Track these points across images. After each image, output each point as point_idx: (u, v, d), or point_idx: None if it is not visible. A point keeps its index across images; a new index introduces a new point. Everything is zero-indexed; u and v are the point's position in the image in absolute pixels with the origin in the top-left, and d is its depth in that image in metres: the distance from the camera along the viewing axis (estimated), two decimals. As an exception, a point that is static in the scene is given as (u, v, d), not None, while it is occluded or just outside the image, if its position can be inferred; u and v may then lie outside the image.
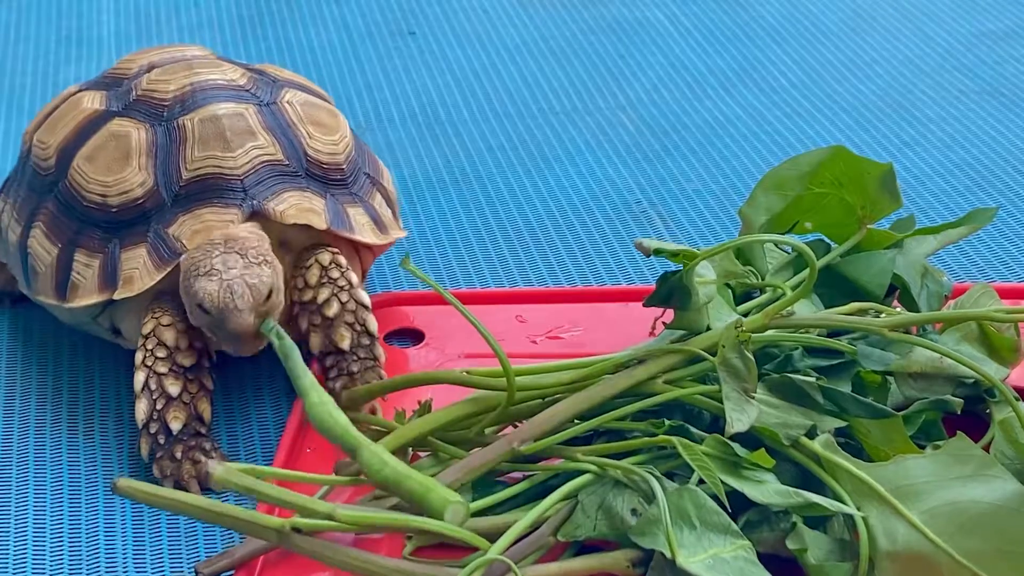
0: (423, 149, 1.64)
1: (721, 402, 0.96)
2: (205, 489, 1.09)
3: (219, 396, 1.18)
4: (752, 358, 0.96)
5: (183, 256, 1.11)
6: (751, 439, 0.95)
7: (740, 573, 0.88)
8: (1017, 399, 0.99)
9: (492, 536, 0.91)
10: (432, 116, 1.73)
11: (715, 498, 0.91)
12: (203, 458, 1.09)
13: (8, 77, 1.88)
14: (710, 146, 1.62)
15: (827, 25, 1.94)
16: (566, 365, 1.04)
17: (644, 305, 1.06)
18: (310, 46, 1.94)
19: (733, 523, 0.91)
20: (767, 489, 0.92)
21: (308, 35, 1.97)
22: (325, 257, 1.16)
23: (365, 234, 1.20)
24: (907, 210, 1.23)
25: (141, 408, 1.09)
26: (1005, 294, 1.18)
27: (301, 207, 1.16)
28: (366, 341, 1.15)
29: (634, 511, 0.94)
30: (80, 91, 1.27)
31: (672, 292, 1.03)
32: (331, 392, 1.11)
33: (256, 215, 1.14)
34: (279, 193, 1.16)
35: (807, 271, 1.00)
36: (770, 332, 1.02)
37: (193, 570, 1.00)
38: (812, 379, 0.99)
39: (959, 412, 1.01)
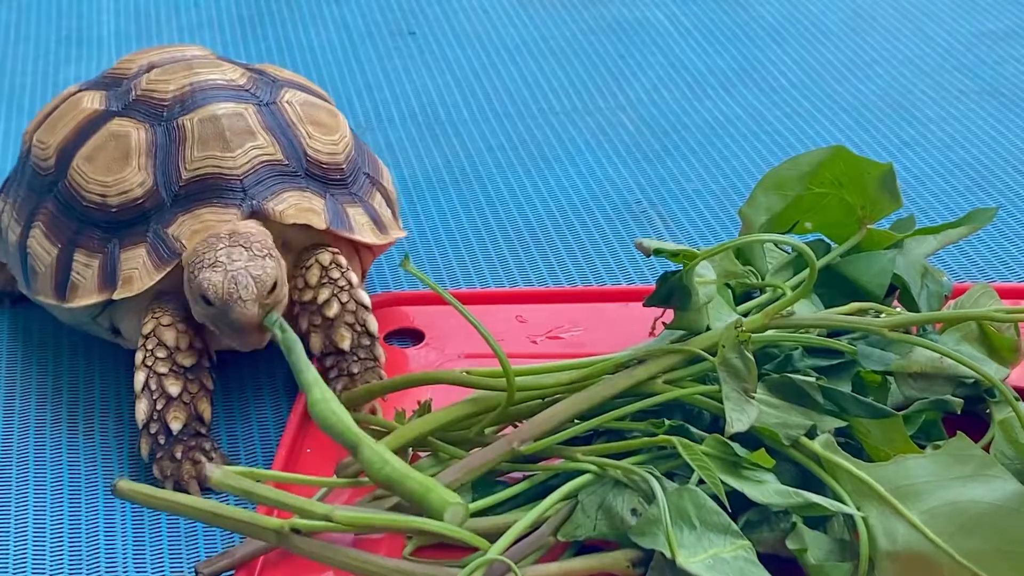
0: (423, 149, 1.64)
1: (721, 402, 0.96)
2: (205, 489, 1.09)
3: (219, 396, 1.18)
4: (752, 358, 0.96)
5: (184, 252, 1.11)
6: (751, 439, 0.95)
7: (740, 573, 0.88)
8: (1017, 399, 0.99)
9: (492, 536, 0.91)
10: (432, 116, 1.73)
11: (715, 498, 0.91)
12: (203, 458, 1.09)
13: (8, 77, 1.88)
14: (710, 146, 1.62)
15: (827, 25, 1.94)
16: (566, 365, 1.04)
17: (644, 305, 1.06)
18: (310, 46, 1.94)
19: (733, 523, 0.91)
20: (767, 489, 0.92)
21: (308, 35, 1.97)
22: (325, 257, 1.16)
23: (365, 234, 1.20)
24: (907, 210, 1.23)
25: (141, 408, 1.09)
26: (1005, 294, 1.18)
27: (300, 207, 1.16)
28: (366, 342, 1.15)
29: (634, 511, 0.94)
30: (80, 91, 1.27)
31: (672, 292, 1.03)
32: (331, 392, 1.11)
33: (255, 215, 1.14)
34: (279, 193, 1.16)
35: (807, 271, 1.00)
36: (770, 332, 1.02)
37: (193, 570, 1.00)
38: (812, 379, 0.99)
39: (959, 412, 1.01)
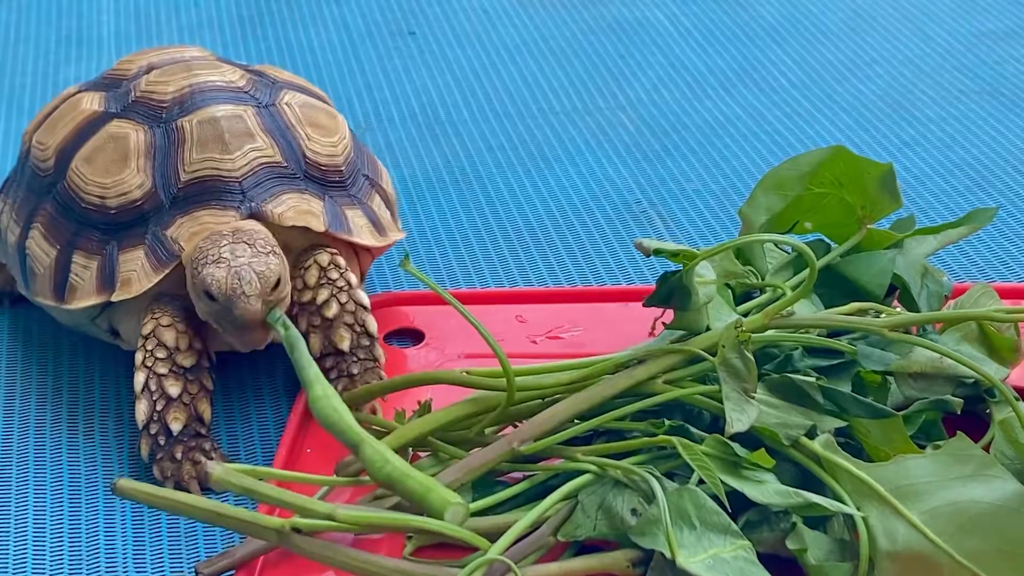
0: (423, 149, 1.64)
1: (721, 402, 0.96)
2: (206, 489, 1.09)
3: (219, 396, 1.18)
4: (752, 358, 0.96)
5: (183, 254, 1.11)
6: (751, 439, 0.95)
7: (740, 573, 0.88)
8: (1017, 399, 0.99)
9: (492, 536, 0.91)
10: (432, 116, 1.73)
11: (715, 498, 0.91)
12: (203, 459, 1.09)
13: (8, 77, 1.88)
14: (710, 146, 1.62)
15: (827, 25, 1.94)
16: (566, 365, 1.04)
17: (644, 305, 1.06)
18: (310, 46, 1.94)
19: (733, 523, 0.91)
20: (767, 489, 0.92)
21: (308, 35, 1.97)
22: (324, 258, 1.16)
23: (363, 236, 1.20)
24: (907, 210, 1.23)
25: (141, 409, 1.09)
26: (1005, 294, 1.18)
27: (299, 209, 1.16)
28: (366, 342, 1.15)
29: (634, 511, 0.94)
30: (79, 92, 1.27)
31: (672, 292, 1.03)
32: (331, 393, 1.11)
33: (254, 217, 1.14)
34: (277, 195, 1.16)
35: (807, 271, 1.00)
36: (770, 332, 1.02)
37: (193, 570, 1.00)
38: (812, 379, 0.99)
39: (959, 412, 1.01)
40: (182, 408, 1.10)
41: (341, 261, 1.16)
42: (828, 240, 1.16)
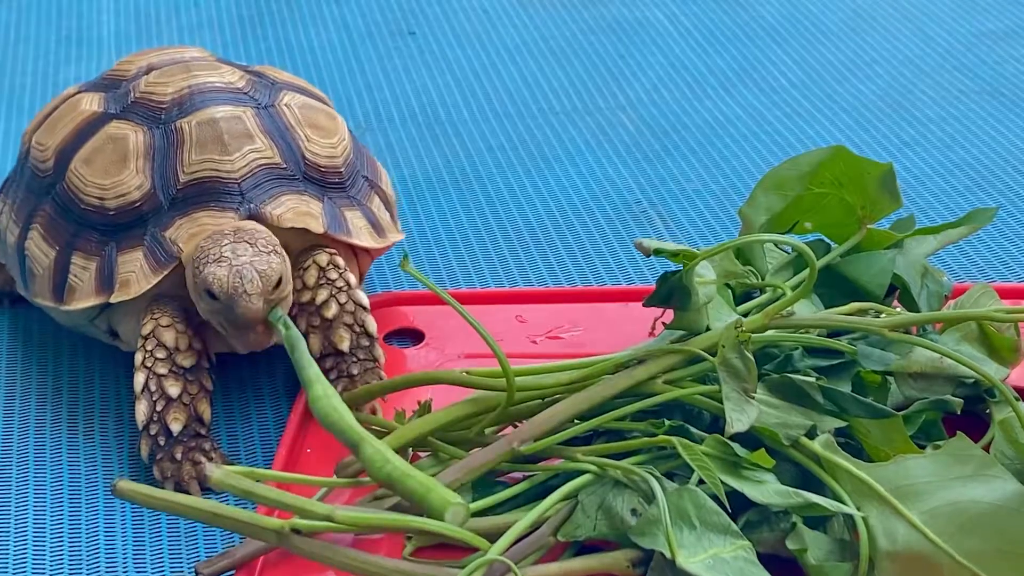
0: (423, 149, 1.64)
1: (721, 402, 0.96)
2: (206, 490, 1.09)
3: (219, 396, 1.18)
4: (752, 358, 0.96)
5: (182, 255, 1.11)
6: (751, 439, 0.95)
7: (740, 573, 0.88)
8: (1017, 399, 0.99)
9: (492, 536, 0.91)
10: (432, 116, 1.73)
11: (715, 498, 0.91)
12: (203, 459, 1.09)
13: (8, 77, 1.88)
14: (710, 146, 1.62)
15: (827, 25, 1.94)
16: (566, 365, 1.04)
17: (644, 305, 1.06)
18: (310, 46, 1.94)
19: (733, 523, 0.91)
20: (767, 489, 0.92)
21: (308, 35, 1.97)
22: (323, 258, 1.16)
23: (362, 238, 1.20)
24: (907, 210, 1.23)
25: (141, 409, 1.09)
26: (1005, 294, 1.18)
27: (298, 211, 1.16)
28: (365, 342, 1.15)
29: (634, 511, 0.94)
30: (79, 92, 1.27)
31: (672, 292, 1.03)
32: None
33: (253, 219, 1.14)
34: (276, 196, 1.16)
35: (807, 271, 1.00)
36: (770, 332, 1.02)
37: (193, 570, 1.00)
38: (812, 379, 0.99)
39: (959, 412, 1.01)
40: (182, 408, 1.10)
41: (340, 261, 1.16)
42: (828, 240, 1.16)
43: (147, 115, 1.19)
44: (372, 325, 1.15)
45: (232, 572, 0.98)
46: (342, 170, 1.22)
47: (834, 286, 1.10)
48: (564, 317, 1.27)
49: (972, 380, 1.03)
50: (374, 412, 1.13)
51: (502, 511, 0.97)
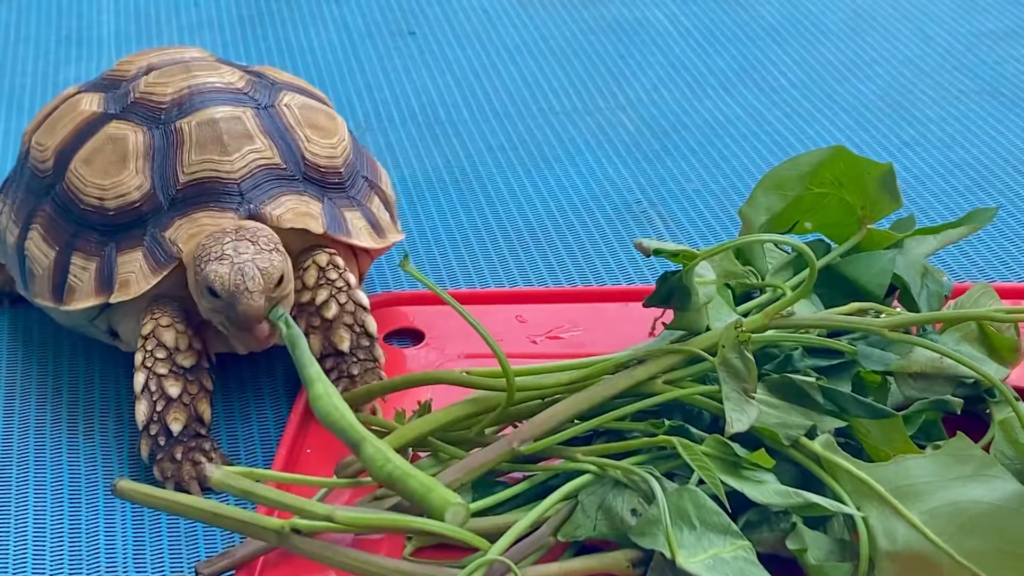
0: (423, 149, 1.64)
1: (721, 402, 0.96)
2: (206, 490, 1.09)
3: (219, 396, 1.18)
4: (752, 358, 0.96)
5: (182, 256, 1.11)
6: (751, 439, 0.95)
7: (740, 573, 0.88)
8: (1017, 399, 0.99)
9: (492, 536, 0.91)
10: (432, 116, 1.73)
11: (715, 498, 0.91)
12: (203, 459, 1.09)
13: (8, 77, 1.88)
14: (710, 146, 1.62)
15: (827, 25, 1.94)
16: (566, 365, 1.04)
17: (644, 305, 1.06)
18: (310, 46, 1.94)
19: (733, 523, 0.91)
20: (767, 489, 0.92)
21: (308, 35, 1.97)
22: (322, 258, 1.16)
23: (362, 238, 1.20)
24: (907, 210, 1.23)
25: (141, 410, 1.09)
26: (1005, 294, 1.18)
27: (298, 211, 1.16)
28: (365, 343, 1.15)
29: (634, 511, 0.94)
30: (79, 93, 1.27)
31: (672, 292, 1.03)
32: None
33: (253, 219, 1.14)
34: (276, 197, 1.16)
35: (807, 271, 1.00)
36: (770, 332, 1.02)
37: (193, 570, 1.00)
38: (812, 379, 0.99)
39: (959, 412, 1.01)
40: (182, 408, 1.10)
41: (340, 261, 1.16)
42: (828, 240, 1.16)
43: (147, 115, 1.19)
44: (372, 325, 1.15)
45: (232, 572, 0.98)
46: (342, 170, 1.22)
47: (834, 286, 1.10)
48: (564, 317, 1.27)
49: (972, 380, 1.03)
50: (374, 412, 1.13)
51: (502, 511, 0.97)
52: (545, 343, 1.24)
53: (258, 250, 1.07)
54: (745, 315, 1.05)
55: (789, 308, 1.03)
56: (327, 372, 1.14)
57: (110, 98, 1.23)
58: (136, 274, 1.13)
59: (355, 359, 1.15)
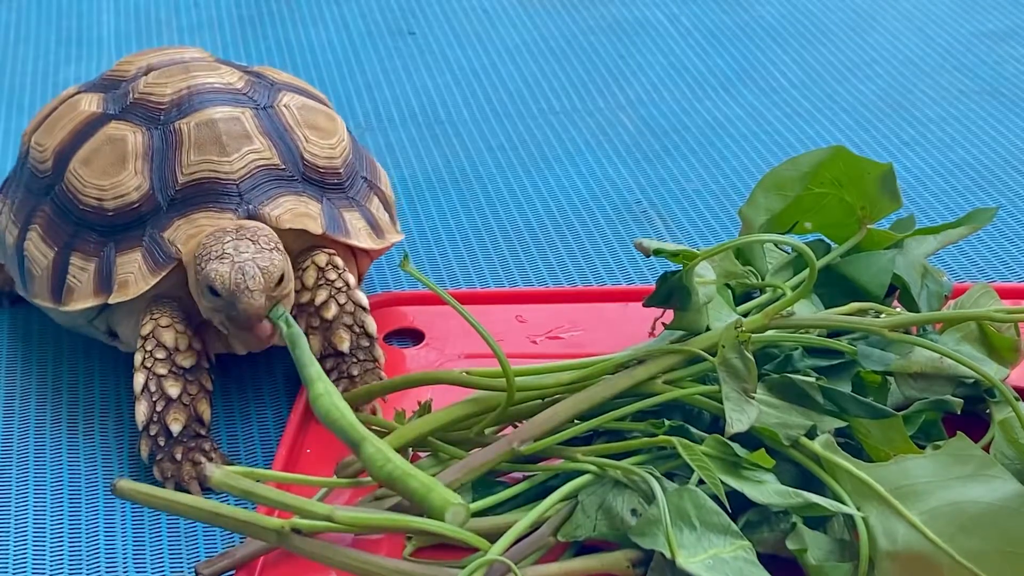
0: (423, 149, 1.64)
1: (721, 402, 0.96)
2: (206, 490, 1.09)
3: (219, 396, 1.18)
4: (752, 358, 0.96)
5: (181, 257, 1.11)
6: (751, 439, 0.95)
7: (740, 573, 0.88)
8: (1017, 399, 0.99)
9: (492, 536, 0.91)
10: (432, 116, 1.73)
11: (715, 498, 0.91)
12: (203, 459, 1.09)
13: (8, 77, 1.88)
14: (710, 146, 1.62)
15: (827, 25, 1.94)
16: (566, 365, 1.04)
17: (644, 305, 1.06)
18: (310, 46, 1.94)
19: (733, 523, 0.91)
20: (767, 489, 0.92)
21: (308, 35, 1.97)
22: (321, 258, 1.16)
23: (361, 239, 1.20)
24: (907, 210, 1.23)
25: (141, 410, 1.09)
26: (1005, 294, 1.18)
27: (297, 212, 1.16)
28: (365, 343, 1.15)
29: (634, 511, 0.94)
30: (78, 93, 1.27)
31: (672, 292, 1.03)
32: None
33: (252, 220, 1.14)
34: (275, 198, 1.16)
35: (807, 271, 1.00)
36: (770, 332, 1.02)
37: (193, 570, 1.00)
38: (812, 379, 0.99)
39: (959, 412, 1.01)
40: (182, 409, 1.10)
41: (339, 261, 1.16)
42: (828, 240, 1.16)
43: (146, 116, 1.19)
44: (372, 325, 1.15)
45: (232, 572, 0.98)
46: (341, 171, 1.22)
47: (834, 286, 1.10)
48: (564, 317, 1.27)
49: (972, 380, 1.03)
50: (374, 412, 1.13)
51: (502, 511, 0.97)
52: (545, 343, 1.24)
53: (259, 249, 1.07)
54: (745, 315, 1.05)
55: (789, 308, 1.03)
56: (327, 373, 1.14)
57: (109, 98, 1.23)
58: (135, 275, 1.13)
59: (355, 359, 1.15)
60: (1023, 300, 1.25)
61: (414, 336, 1.27)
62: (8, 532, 1.08)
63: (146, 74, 1.24)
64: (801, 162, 1.14)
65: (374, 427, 1.07)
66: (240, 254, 1.06)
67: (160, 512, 1.06)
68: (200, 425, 1.11)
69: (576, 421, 1.00)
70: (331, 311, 1.14)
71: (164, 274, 1.12)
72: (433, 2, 2.07)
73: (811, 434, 0.96)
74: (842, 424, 0.98)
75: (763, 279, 1.12)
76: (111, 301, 1.14)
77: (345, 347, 1.14)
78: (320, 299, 1.14)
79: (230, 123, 1.18)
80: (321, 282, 1.15)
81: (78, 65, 1.91)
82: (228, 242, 1.07)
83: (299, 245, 1.17)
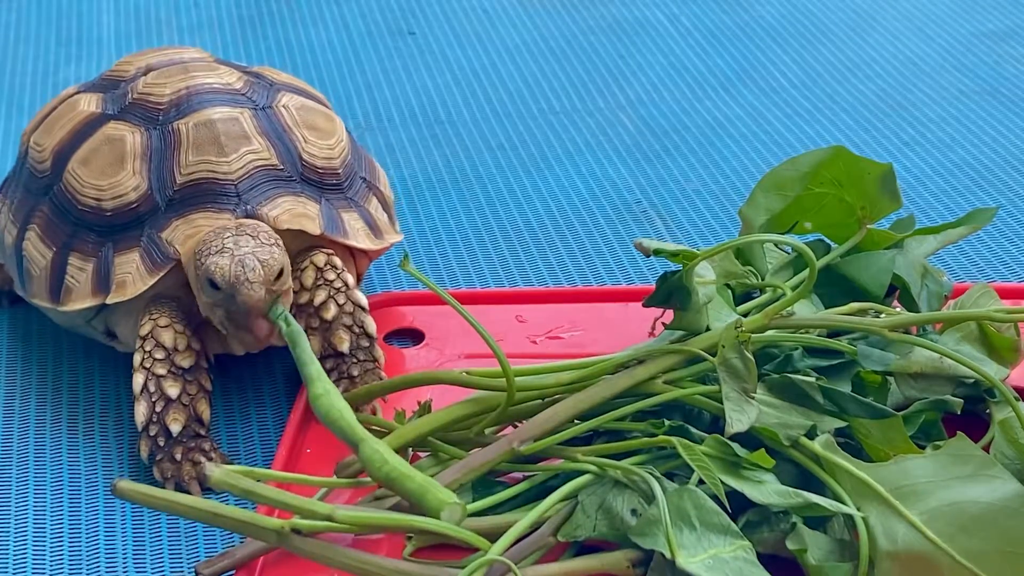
0: (423, 149, 1.64)
1: (721, 402, 0.96)
2: (206, 490, 1.09)
3: (219, 396, 1.18)
4: (752, 358, 0.96)
5: (180, 257, 1.11)
6: (751, 439, 0.95)
7: (740, 573, 0.88)
8: (1017, 399, 0.99)
9: (492, 536, 0.91)
10: (432, 116, 1.73)
11: (715, 498, 0.91)
12: (203, 459, 1.09)
13: (8, 77, 1.88)
14: (710, 146, 1.62)
15: (827, 25, 1.94)
16: (566, 365, 1.04)
17: (644, 305, 1.06)
18: (310, 46, 1.94)
19: (733, 523, 0.91)
20: (767, 489, 0.92)
21: (308, 35, 1.97)
22: (320, 259, 1.16)
23: (360, 239, 1.20)
24: (907, 210, 1.23)
25: (140, 410, 1.09)
26: (1005, 294, 1.18)
27: (295, 212, 1.16)
28: (365, 343, 1.15)
29: (634, 511, 0.94)
30: (77, 93, 1.27)
31: (672, 292, 1.03)
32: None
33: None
34: (273, 198, 1.16)
35: (807, 271, 1.00)
36: (770, 332, 1.02)
37: (193, 570, 1.00)
38: (812, 379, 0.99)
39: (959, 412, 1.01)
40: (181, 409, 1.10)
41: (337, 261, 1.16)
42: (828, 240, 1.16)
43: (145, 116, 1.19)
44: (371, 326, 1.15)
45: (232, 572, 0.98)
46: (339, 171, 1.22)
47: (834, 286, 1.10)
48: (564, 317, 1.27)
49: (972, 380, 1.03)
50: (374, 412, 1.13)
51: (502, 511, 0.97)
52: (545, 343, 1.24)
53: (258, 244, 1.07)
54: (745, 315, 1.05)
55: (789, 308, 1.03)
56: (327, 373, 1.14)
57: (108, 98, 1.23)
58: (133, 275, 1.13)
59: (355, 360, 1.15)
60: (1023, 300, 1.25)
61: (414, 336, 1.27)
62: (8, 532, 1.08)
63: (145, 74, 1.24)
64: (801, 162, 1.14)
65: (374, 427, 1.07)
66: (240, 248, 1.06)
67: (160, 512, 1.06)
68: (200, 425, 1.11)
69: (576, 421, 1.00)
70: (330, 311, 1.14)
71: (162, 274, 1.12)
72: (433, 2, 2.07)
73: (811, 434, 0.96)
74: (842, 424, 0.98)
75: (763, 279, 1.12)
76: (109, 301, 1.13)
77: (345, 347, 1.14)
78: (319, 299, 1.14)
79: (228, 123, 1.18)
80: (320, 282, 1.15)
81: (78, 65, 1.91)
82: (228, 238, 1.08)
83: (297, 245, 1.17)
